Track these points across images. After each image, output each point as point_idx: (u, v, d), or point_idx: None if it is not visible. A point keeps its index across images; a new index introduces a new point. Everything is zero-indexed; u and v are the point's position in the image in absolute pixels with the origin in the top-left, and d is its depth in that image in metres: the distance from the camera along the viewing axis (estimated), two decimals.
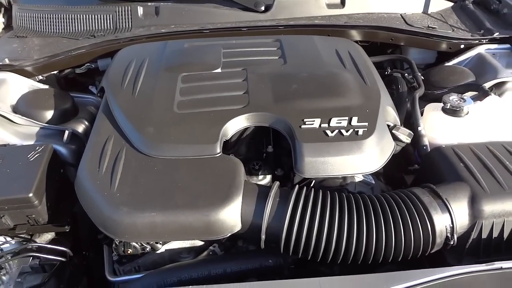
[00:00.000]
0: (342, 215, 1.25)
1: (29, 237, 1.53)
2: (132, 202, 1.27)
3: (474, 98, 1.74)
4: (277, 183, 1.34)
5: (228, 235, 1.27)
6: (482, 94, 1.77)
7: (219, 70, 1.71)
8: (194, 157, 1.38)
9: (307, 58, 1.80)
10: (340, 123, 1.43)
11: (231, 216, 1.25)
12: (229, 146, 1.55)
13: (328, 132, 1.40)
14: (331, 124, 1.42)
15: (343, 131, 1.40)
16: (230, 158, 1.40)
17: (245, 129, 1.53)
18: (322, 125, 1.42)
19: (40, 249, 1.48)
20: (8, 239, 1.51)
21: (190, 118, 1.49)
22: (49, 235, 1.57)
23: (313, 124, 1.42)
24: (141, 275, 1.43)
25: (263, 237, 1.27)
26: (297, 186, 1.33)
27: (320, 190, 1.33)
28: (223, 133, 1.44)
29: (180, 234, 1.29)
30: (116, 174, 1.34)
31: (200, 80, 1.66)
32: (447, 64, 2.09)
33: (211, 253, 1.48)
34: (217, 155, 1.39)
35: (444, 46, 2.12)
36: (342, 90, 1.57)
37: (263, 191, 1.31)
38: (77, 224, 1.57)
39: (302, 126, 1.42)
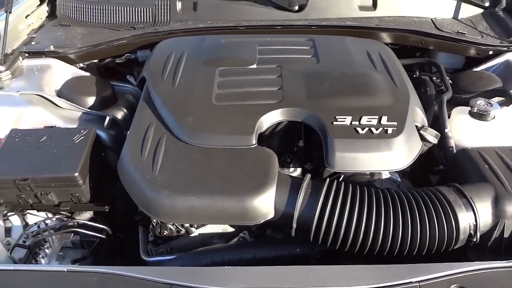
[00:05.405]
0: (370, 207, 1.31)
1: (70, 214, 1.63)
2: (172, 185, 1.35)
3: (501, 104, 1.79)
4: (309, 175, 1.41)
5: (261, 222, 1.34)
6: (508, 100, 1.81)
7: (254, 66, 1.79)
8: (231, 147, 1.46)
9: (339, 58, 1.86)
10: (370, 121, 1.49)
11: (265, 204, 1.33)
12: (262, 139, 1.62)
13: (359, 129, 1.46)
14: (361, 122, 1.48)
15: (373, 129, 1.46)
16: (265, 149, 1.47)
17: (279, 123, 1.60)
18: (353, 123, 1.48)
19: (82, 226, 1.57)
20: (51, 215, 1.61)
21: (228, 110, 1.57)
22: (88, 214, 1.66)
23: (344, 121, 1.49)
24: (174, 256, 1.52)
25: (294, 225, 1.34)
26: (328, 179, 1.39)
27: (350, 184, 1.39)
28: (259, 125, 1.51)
29: (216, 218, 1.37)
30: (157, 159, 1.42)
31: (237, 74, 1.74)
32: (475, 69, 2.13)
33: (241, 239, 1.55)
34: (253, 146, 1.46)
35: (472, 51, 2.16)
36: (373, 90, 1.64)
37: (296, 182, 1.38)
38: (113, 206, 1.66)
39: (334, 123, 1.48)
